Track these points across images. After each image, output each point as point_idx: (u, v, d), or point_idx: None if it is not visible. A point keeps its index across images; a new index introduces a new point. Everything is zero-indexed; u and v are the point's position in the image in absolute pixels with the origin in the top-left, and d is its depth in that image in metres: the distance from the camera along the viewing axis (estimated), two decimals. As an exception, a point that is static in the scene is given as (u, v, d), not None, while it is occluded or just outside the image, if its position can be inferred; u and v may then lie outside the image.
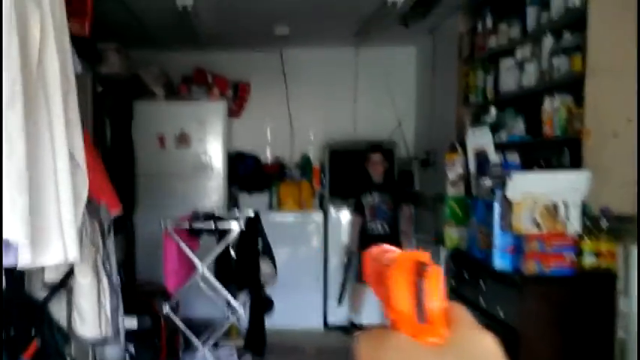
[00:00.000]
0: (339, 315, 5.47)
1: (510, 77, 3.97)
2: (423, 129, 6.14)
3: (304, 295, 5.50)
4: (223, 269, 3.74)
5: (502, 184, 2.92)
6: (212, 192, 5.62)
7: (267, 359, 4.37)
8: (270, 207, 5.83)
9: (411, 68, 6.37)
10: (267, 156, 6.32)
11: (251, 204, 5.63)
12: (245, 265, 3.46)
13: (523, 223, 2.79)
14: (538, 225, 2.77)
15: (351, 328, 5.16)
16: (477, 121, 4.51)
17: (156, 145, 5.51)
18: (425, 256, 0.44)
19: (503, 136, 3.90)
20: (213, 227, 3.46)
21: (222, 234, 3.51)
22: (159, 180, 5.52)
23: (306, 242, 5.62)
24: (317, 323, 5.55)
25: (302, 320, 5.47)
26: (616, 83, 2.86)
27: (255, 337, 3.49)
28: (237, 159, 6.04)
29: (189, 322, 4.01)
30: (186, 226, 3.64)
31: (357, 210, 5.17)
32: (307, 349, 5.02)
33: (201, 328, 4.27)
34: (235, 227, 3.50)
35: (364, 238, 5.02)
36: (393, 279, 0.44)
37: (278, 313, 4.96)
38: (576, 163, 3.26)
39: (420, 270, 0.43)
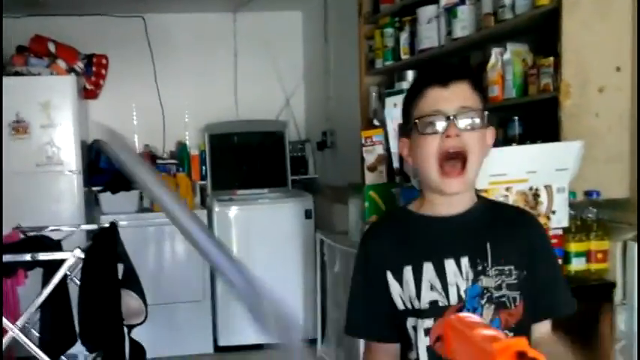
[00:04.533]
0: (232, 335, 4.48)
1: (433, 30, 3.17)
2: (317, 105, 5.28)
3: (188, 315, 4.48)
4: (59, 321, 2.47)
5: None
6: (63, 194, 4.44)
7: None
8: (141, 209, 4.70)
9: (297, 36, 5.50)
10: (135, 145, 5.20)
11: (116, 206, 4.54)
12: (93, 311, 2.26)
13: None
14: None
15: None
16: (389, 89, 3.69)
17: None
18: (524, 344, 0.50)
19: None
20: (28, 259, 2.15)
21: (54, 264, 2.23)
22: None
23: (187, 250, 4.58)
24: (206, 347, 4.54)
25: (187, 345, 4.44)
26: (600, 22, 2.09)
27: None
28: (96, 150, 4.88)
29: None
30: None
31: None
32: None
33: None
34: (69, 256, 2.19)
35: None
36: None
37: (158, 340, 3.93)
38: (530, 134, 2.53)
39: None
